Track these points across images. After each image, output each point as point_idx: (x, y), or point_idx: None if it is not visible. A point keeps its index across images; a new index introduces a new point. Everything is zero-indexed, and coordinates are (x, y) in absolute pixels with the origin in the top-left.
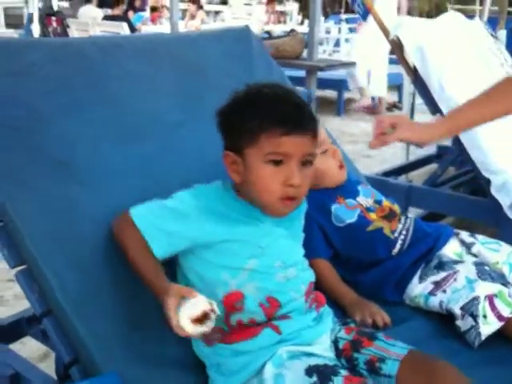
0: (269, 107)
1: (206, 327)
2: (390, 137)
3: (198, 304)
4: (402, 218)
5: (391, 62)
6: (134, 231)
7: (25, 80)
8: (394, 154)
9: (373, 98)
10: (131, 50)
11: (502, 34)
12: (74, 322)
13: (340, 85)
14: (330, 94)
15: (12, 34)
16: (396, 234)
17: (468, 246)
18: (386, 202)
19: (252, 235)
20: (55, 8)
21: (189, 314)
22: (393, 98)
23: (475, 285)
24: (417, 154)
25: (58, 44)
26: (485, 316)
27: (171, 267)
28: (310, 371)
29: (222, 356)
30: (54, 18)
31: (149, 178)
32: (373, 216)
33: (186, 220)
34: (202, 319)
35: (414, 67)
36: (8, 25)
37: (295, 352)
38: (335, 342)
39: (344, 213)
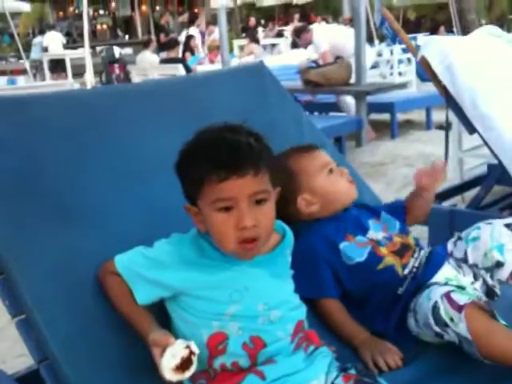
0: (204, 156)
1: (190, 370)
2: None
3: (176, 353)
4: (417, 251)
5: None
6: (119, 279)
7: (29, 131)
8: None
9: None
10: (136, 95)
11: None
12: (65, 371)
13: (392, 107)
14: (385, 116)
15: (72, 83)
16: (406, 271)
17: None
18: (396, 238)
19: (228, 280)
20: (117, 55)
21: (170, 364)
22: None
23: (432, 290)
24: (471, 173)
25: (64, 96)
26: (451, 319)
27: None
28: None
29: None
30: (116, 65)
31: (149, 223)
32: (383, 251)
33: (164, 269)
34: (184, 364)
35: (445, 86)
36: (74, 75)
37: None
38: None
39: (353, 251)
